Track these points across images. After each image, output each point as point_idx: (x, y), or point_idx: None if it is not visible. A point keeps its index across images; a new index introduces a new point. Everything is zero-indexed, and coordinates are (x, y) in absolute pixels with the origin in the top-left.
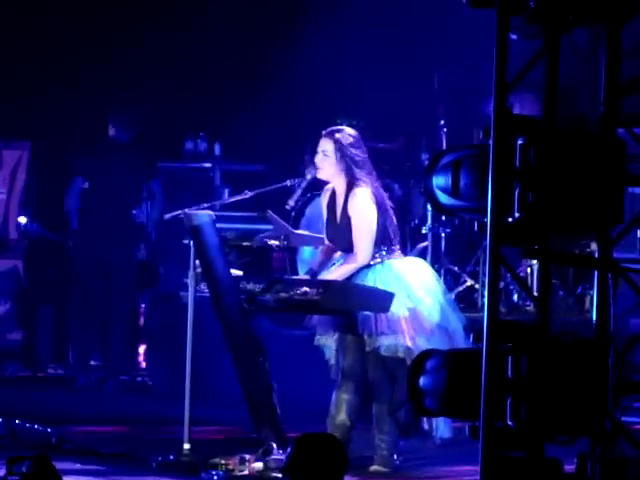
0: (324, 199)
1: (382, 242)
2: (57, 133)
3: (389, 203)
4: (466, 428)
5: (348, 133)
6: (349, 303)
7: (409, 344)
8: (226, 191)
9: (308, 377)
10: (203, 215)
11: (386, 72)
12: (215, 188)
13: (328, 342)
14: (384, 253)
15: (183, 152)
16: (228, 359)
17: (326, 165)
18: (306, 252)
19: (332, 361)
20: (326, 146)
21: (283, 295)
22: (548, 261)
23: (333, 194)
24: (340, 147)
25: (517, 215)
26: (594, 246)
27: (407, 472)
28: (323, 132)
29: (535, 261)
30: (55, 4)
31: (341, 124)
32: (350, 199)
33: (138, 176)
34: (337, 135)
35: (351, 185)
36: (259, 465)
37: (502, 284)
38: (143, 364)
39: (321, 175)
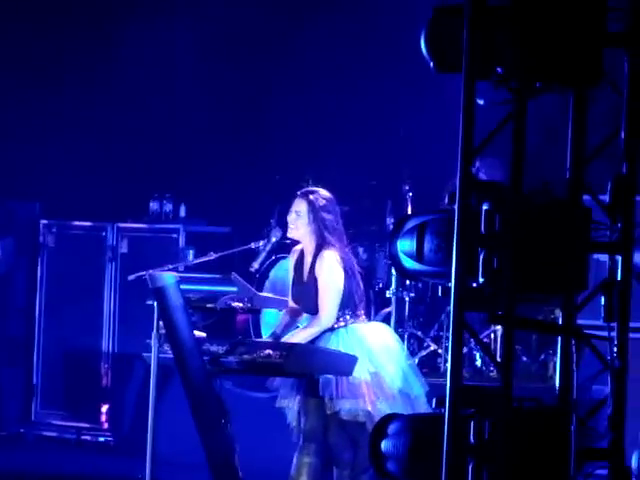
0: (292, 260)
1: (347, 306)
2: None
3: (358, 269)
4: None
5: (322, 196)
6: (312, 366)
7: (369, 409)
8: (191, 252)
9: (270, 439)
10: (167, 276)
11: (352, 136)
12: (180, 249)
13: (290, 404)
14: (348, 317)
15: (148, 213)
16: (191, 420)
17: (298, 225)
18: (269, 314)
19: (294, 423)
20: (300, 206)
21: (246, 357)
22: (512, 327)
23: (301, 255)
24: (313, 209)
25: (481, 280)
26: (558, 312)
27: None
28: (298, 192)
29: (499, 326)
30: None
31: (307, 187)
32: (318, 261)
33: None
34: (311, 197)
35: (320, 247)
36: None
37: (466, 349)
38: (105, 424)
39: (292, 234)
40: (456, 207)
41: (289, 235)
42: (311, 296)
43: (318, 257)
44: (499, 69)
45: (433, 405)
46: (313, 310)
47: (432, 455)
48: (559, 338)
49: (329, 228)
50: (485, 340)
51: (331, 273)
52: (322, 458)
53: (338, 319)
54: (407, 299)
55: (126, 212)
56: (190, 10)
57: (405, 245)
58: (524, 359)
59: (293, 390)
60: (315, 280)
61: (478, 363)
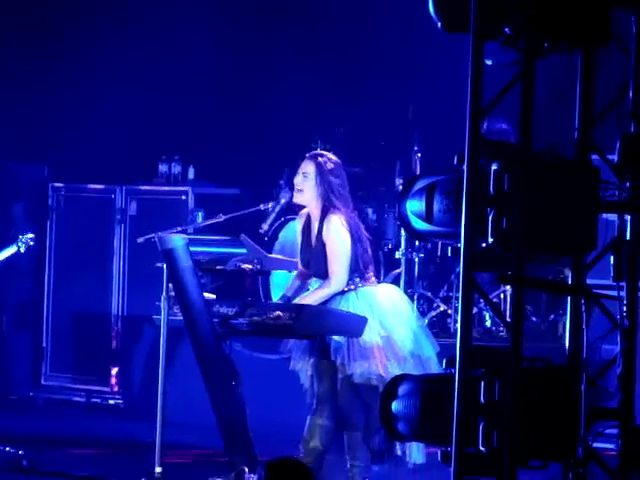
0: (299, 224)
1: (355, 270)
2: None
3: (365, 234)
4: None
5: (330, 159)
6: (322, 327)
7: (381, 372)
8: (200, 214)
9: (280, 401)
10: (177, 238)
11: (361, 98)
12: (189, 211)
13: (304, 367)
14: (357, 281)
15: (157, 175)
16: (201, 382)
17: (305, 187)
18: (279, 276)
19: (307, 386)
20: (307, 168)
21: (256, 319)
22: (521, 287)
23: (308, 219)
24: (321, 171)
25: (490, 241)
26: (568, 272)
27: None
28: (307, 154)
29: (508, 287)
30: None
31: (315, 149)
32: (325, 225)
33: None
34: (320, 159)
35: (326, 211)
36: None
37: (475, 309)
38: (115, 387)
39: (298, 199)
40: (465, 167)
41: (295, 200)
42: (320, 261)
43: (325, 221)
44: (507, 29)
45: (443, 366)
46: (323, 274)
47: (442, 415)
48: (569, 298)
49: (335, 192)
50: (495, 300)
51: (339, 237)
52: (335, 421)
53: (348, 283)
54: (416, 260)
55: (135, 174)
56: None
57: (414, 206)
58: (534, 319)
59: (306, 353)
60: (323, 245)
61: (488, 323)
